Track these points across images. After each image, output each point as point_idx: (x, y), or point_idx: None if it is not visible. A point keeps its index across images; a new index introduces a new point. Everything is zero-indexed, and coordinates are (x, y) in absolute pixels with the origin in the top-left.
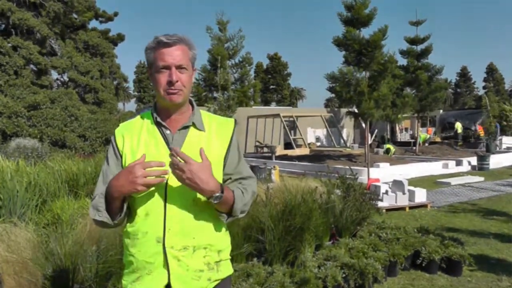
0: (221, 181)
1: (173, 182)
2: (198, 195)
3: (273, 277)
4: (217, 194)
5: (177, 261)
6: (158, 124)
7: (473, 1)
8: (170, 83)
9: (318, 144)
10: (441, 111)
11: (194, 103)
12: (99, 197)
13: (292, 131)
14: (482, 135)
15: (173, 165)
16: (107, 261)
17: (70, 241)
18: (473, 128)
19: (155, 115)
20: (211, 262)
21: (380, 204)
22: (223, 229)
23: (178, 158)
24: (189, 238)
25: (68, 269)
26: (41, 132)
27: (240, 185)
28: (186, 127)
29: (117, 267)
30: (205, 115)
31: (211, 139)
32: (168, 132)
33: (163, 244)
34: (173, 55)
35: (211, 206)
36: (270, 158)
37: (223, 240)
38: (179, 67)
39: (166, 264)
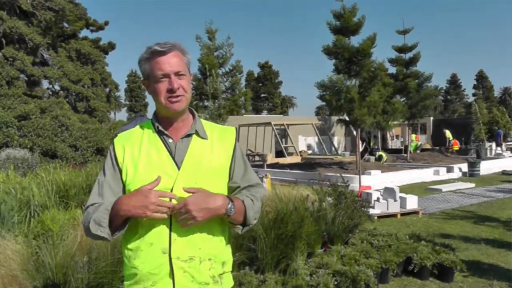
0: (225, 190)
1: (178, 191)
2: None
3: (265, 285)
4: (229, 205)
5: (183, 272)
6: (160, 133)
7: (465, 8)
8: (171, 91)
9: (310, 152)
10: (431, 118)
11: (195, 111)
12: (103, 212)
13: (284, 139)
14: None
15: (179, 214)
16: (98, 272)
17: (61, 252)
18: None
19: (156, 124)
20: (216, 275)
21: (371, 211)
22: (226, 241)
23: (173, 201)
24: (195, 249)
25: (59, 280)
26: (31, 142)
27: (249, 193)
28: (189, 135)
29: (109, 277)
30: (206, 124)
31: (214, 147)
32: (170, 140)
33: (169, 255)
34: (170, 62)
35: (216, 217)
36: (261, 166)
37: (226, 251)
38: (177, 74)
39: (171, 275)
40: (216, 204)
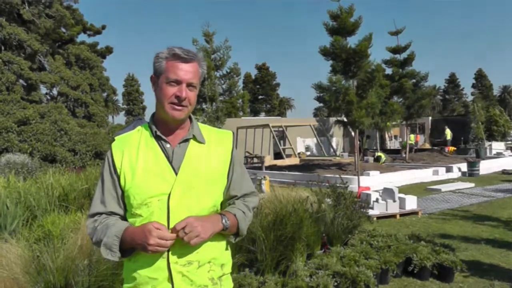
0: (221, 195)
1: (176, 197)
2: (201, 209)
3: (265, 287)
4: (224, 219)
5: (181, 276)
6: (157, 138)
7: (464, 7)
8: (179, 98)
9: (308, 153)
10: (430, 118)
11: (192, 115)
12: (113, 238)
13: (282, 141)
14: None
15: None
16: (99, 275)
17: (62, 256)
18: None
19: (153, 128)
20: (215, 277)
21: (371, 212)
22: (226, 243)
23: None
24: (193, 253)
25: (60, 284)
26: (31, 147)
27: (242, 204)
28: (186, 140)
29: (110, 280)
30: (203, 127)
31: (211, 152)
32: (168, 145)
33: (167, 259)
34: (187, 71)
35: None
36: (260, 168)
37: (226, 254)
38: (190, 85)
39: (170, 280)
40: (213, 221)
